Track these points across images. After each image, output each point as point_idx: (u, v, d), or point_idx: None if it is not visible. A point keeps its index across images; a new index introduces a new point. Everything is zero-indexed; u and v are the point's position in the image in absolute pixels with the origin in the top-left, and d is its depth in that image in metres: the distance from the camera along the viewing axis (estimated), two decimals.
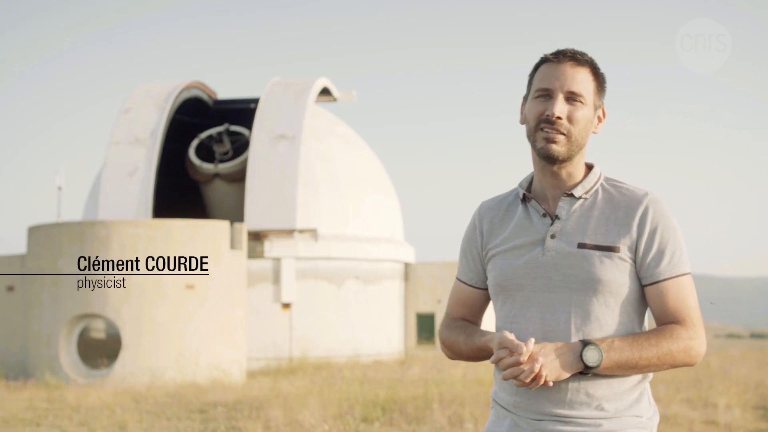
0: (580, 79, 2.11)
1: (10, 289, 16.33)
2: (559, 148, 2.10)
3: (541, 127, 2.10)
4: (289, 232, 18.96)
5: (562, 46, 2.17)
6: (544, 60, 2.17)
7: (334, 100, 23.65)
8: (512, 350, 1.98)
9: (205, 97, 22.81)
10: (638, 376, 2.11)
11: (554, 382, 2.04)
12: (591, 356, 1.97)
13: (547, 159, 2.13)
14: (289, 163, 19.45)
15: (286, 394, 11.02)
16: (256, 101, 22.02)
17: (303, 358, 18.13)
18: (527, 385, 1.97)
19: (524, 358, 1.95)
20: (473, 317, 2.34)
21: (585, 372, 2.00)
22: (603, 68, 2.20)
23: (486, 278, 2.28)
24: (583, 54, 2.16)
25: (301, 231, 19.13)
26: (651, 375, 2.15)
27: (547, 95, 2.12)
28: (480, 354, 2.18)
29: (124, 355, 14.26)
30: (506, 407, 2.17)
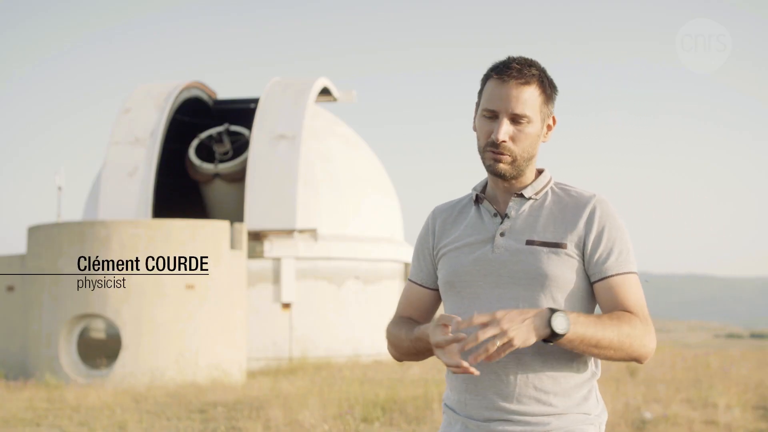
0: (525, 99, 2.12)
1: (10, 289, 16.33)
2: (505, 167, 2.15)
3: (489, 149, 2.15)
4: (289, 232, 18.96)
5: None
6: (489, 76, 2.17)
7: (334, 100, 23.65)
8: (448, 321, 1.98)
9: (205, 97, 22.81)
10: (587, 373, 2.13)
11: (503, 375, 2.07)
12: (559, 323, 1.94)
13: (495, 176, 2.19)
14: (289, 163, 19.44)
15: (286, 394, 11.02)
16: (256, 101, 22.01)
17: (303, 358, 18.13)
18: (493, 356, 1.90)
19: (480, 320, 1.91)
20: (421, 318, 2.37)
21: (549, 340, 1.96)
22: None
23: (436, 278, 2.31)
24: (530, 67, 2.15)
25: (301, 231, 19.13)
26: (599, 373, 2.18)
27: (493, 116, 2.14)
28: (419, 346, 2.19)
29: (124, 355, 14.26)
30: (456, 409, 2.18)
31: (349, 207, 20.39)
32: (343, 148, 21.48)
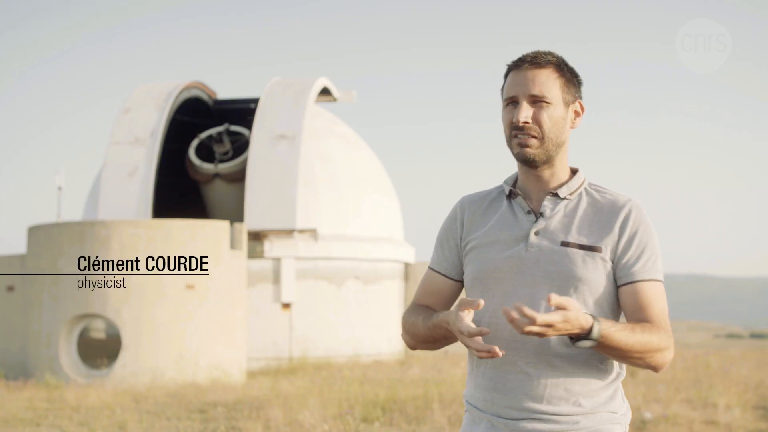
0: (542, 81, 2.15)
1: (10, 289, 16.33)
2: (532, 151, 2.15)
3: (514, 134, 2.15)
4: (289, 232, 18.95)
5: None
6: (509, 69, 2.21)
7: (334, 100, 23.64)
8: (470, 306, 1.98)
9: (205, 97, 22.80)
10: (613, 374, 2.15)
11: (533, 377, 2.08)
12: (586, 343, 1.98)
13: (525, 163, 2.18)
14: (289, 163, 19.44)
15: (286, 394, 11.02)
16: (256, 101, 22.01)
17: (303, 358, 18.13)
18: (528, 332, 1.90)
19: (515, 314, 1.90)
20: (439, 308, 2.33)
21: (571, 342, 2.01)
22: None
23: (461, 270, 2.29)
24: (545, 54, 2.18)
25: (301, 231, 19.13)
26: (624, 374, 2.19)
27: (513, 102, 2.17)
28: (436, 333, 2.17)
29: (124, 355, 14.26)
30: (482, 408, 2.17)
31: (349, 207, 20.39)
32: (343, 148, 21.47)
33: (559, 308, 1.93)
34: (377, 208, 21.27)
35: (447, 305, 2.35)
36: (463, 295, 2.32)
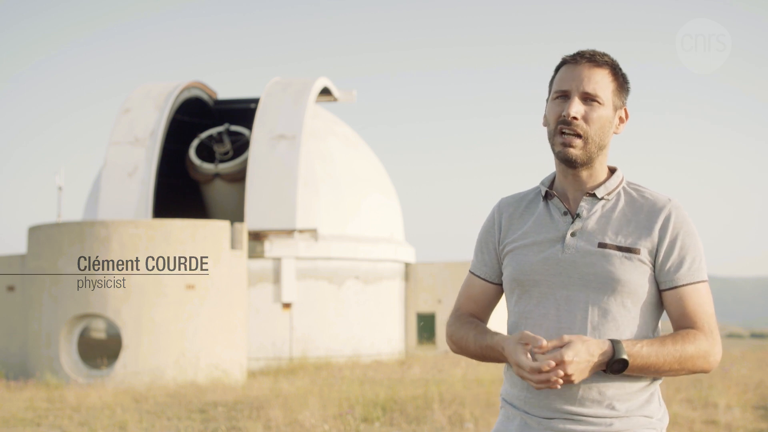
0: (597, 80, 2.12)
1: (10, 289, 16.33)
2: (576, 152, 2.12)
3: (560, 130, 2.12)
4: (289, 232, 18.96)
5: (582, 47, 2.19)
6: (563, 62, 2.18)
7: (334, 100, 23.64)
8: (532, 342, 2.00)
9: (205, 97, 22.81)
10: (649, 378, 2.12)
11: None
12: (617, 368, 2.01)
13: (565, 163, 2.15)
14: (289, 163, 19.44)
15: (286, 394, 11.02)
16: (256, 101, 22.01)
17: (303, 358, 18.13)
18: (553, 386, 1.98)
19: (549, 361, 1.96)
20: (483, 313, 2.33)
21: (607, 372, 2.03)
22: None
23: (500, 273, 2.28)
24: (603, 55, 2.16)
25: (301, 231, 19.13)
26: (661, 377, 2.16)
27: (565, 96, 2.13)
28: (487, 353, 2.17)
29: (124, 355, 14.27)
30: (516, 405, 2.17)
31: (349, 207, 20.39)
32: (343, 148, 21.48)
33: (558, 346, 1.97)
34: (377, 208, 21.28)
35: (489, 309, 2.34)
36: (503, 299, 2.33)
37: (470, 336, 2.22)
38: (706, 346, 2.05)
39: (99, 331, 21.46)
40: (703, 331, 2.07)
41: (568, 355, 1.95)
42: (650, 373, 2.04)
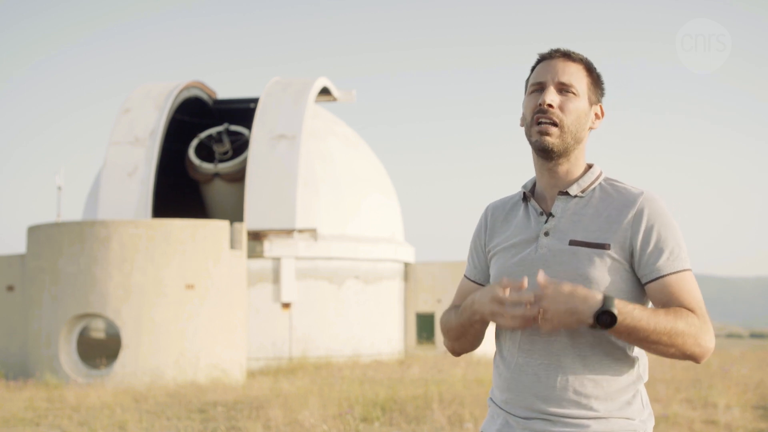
0: (572, 71, 2.15)
1: (10, 289, 16.33)
2: (552, 140, 2.12)
3: (536, 120, 2.12)
4: (289, 232, 18.96)
5: (582, 47, 2.23)
6: (538, 60, 2.22)
7: (334, 99, 23.64)
8: (508, 285, 1.98)
9: (205, 97, 22.81)
10: (632, 377, 2.09)
11: (543, 378, 2.07)
12: (605, 320, 1.93)
13: (542, 152, 2.14)
14: (289, 163, 19.44)
15: (286, 394, 11.02)
16: (256, 101, 22.01)
17: (303, 357, 18.13)
18: (529, 323, 1.95)
19: (526, 296, 1.94)
20: None
21: (591, 327, 1.95)
22: (603, 67, 2.23)
23: (489, 275, 2.31)
24: (577, 53, 2.20)
25: (301, 231, 19.13)
26: (646, 377, 2.14)
27: (540, 88, 2.16)
28: (464, 320, 2.16)
29: (124, 355, 14.26)
30: (499, 404, 2.18)
31: (349, 207, 20.39)
32: (343, 148, 21.48)
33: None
34: (377, 208, 21.28)
35: None
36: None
37: (452, 315, 2.25)
38: (698, 327, 1.99)
39: (99, 331, 21.46)
40: (696, 313, 2.02)
41: (550, 288, 1.93)
42: (638, 340, 1.96)
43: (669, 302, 2.04)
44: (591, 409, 2.04)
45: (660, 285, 2.05)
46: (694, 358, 2.02)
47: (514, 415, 2.12)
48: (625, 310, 1.93)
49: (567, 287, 1.93)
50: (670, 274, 2.05)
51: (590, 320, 1.92)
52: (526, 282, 1.96)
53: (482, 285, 2.32)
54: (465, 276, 2.39)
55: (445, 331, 2.28)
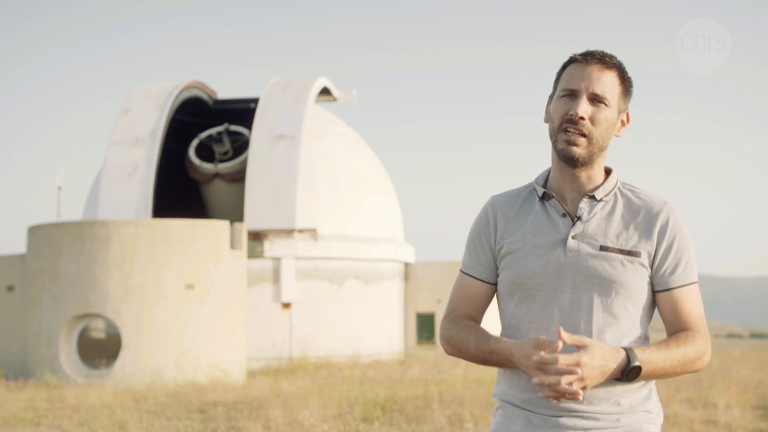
0: (606, 81, 2.13)
1: (10, 289, 16.33)
2: (579, 151, 2.11)
3: (564, 128, 2.12)
4: (289, 232, 18.96)
5: (582, 47, 2.20)
6: (572, 60, 2.19)
7: (334, 100, 23.64)
8: (548, 346, 1.98)
9: (205, 97, 22.81)
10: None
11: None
12: (632, 376, 2.02)
13: (567, 161, 2.14)
14: (289, 163, 19.45)
15: (286, 394, 11.02)
16: (256, 101, 22.01)
17: (303, 357, 18.13)
18: (560, 397, 1.97)
19: (567, 360, 1.93)
20: (478, 314, 2.30)
21: (623, 380, 2.05)
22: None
23: (496, 273, 2.26)
24: (612, 57, 2.17)
25: (301, 231, 19.13)
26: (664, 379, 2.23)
27: (572, 95, 2.13)
28: (491, 357, 2.15)
29: (124, 355, 14.27)
30: (519, 405, 2.16)
31: (349, 207, 20.39)
32: (343, 148, 21.48)
33: (577, 345, 1.96)
34: (377, 208, 21.28)
35: (483, 309, 2.31)
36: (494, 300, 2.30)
37: (471, 339, 2.19)
38: (703, 347, 2.11)
39: (99, 331, 21.46)
40: (699, 332, 2.12)
41: (585, 357, 1.95)
42: (657, 377, 2.08)
43: (675, 314, 2.13)
44: (619, 404, 2.10)
45: (669, 297, 2.13)
46: (697, 371, 2.17)
47: (538, 413, 2.11)
48: (645, 358, 2.03)
49: (597, 351, 1.97)
50: (681, 287, 2.13)
51: (618, 375, 2.02)
52: (561, 345, 1.95)
53: (487, 282, 2.26)
54: (465, 273, 2.30)
55: (457, 349, 2.23)
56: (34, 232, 15.45)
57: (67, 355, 14.62)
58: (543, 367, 1.96)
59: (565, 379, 1.93)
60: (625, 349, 2.02)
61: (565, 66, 2.19)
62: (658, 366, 2.04)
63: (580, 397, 1.95)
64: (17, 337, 15.76)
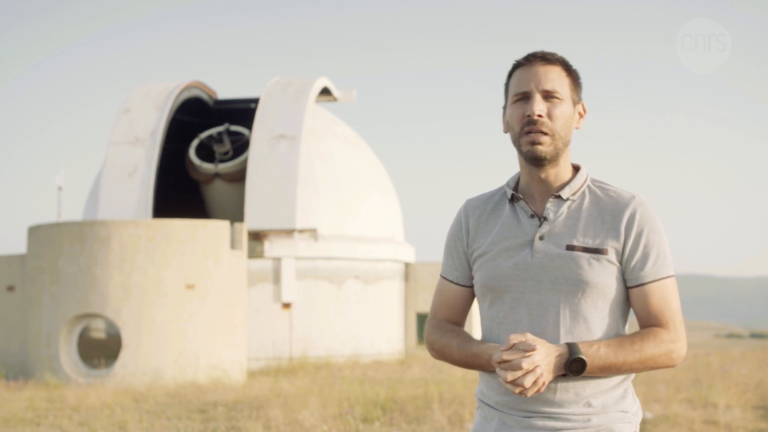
0: (553, 77, 2.15)
1: (10, 289, 16.33)
2: (544, 149, 2.13)
3: (526, 131, 2.13)
4: (289, 232, 18.96)
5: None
6: (516, 66, 2.21)
7: (334, 100, 23.63)
8: (526, 349, 2.00)
9: (205, 97, 22.80)
10: (621, 375, 2.15)
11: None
12: (575, 368, 2.02)
13: (534, 161, 2.16)
14: (289, 163, 19.44)
15: (286, 394, 11.02)
16: (256, 101, 22.01)
17: (303, 357, 18.13)
18: (526, 391, 1.99)
19: (526, 365, 1.97)
20: (458, 317, 2.34)
21: (563, 375, 2.05)
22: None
23: (471, 276, 2.28)
24: (552, 54, 2.20)
25: (301, 231, 19.13)
26: (633, 374, 2.19)
27: (525, 97, 2.15)
28: (472, 361, 2.18)
29: (124, 355, 14.27)
30: (494, 406, 2.18)
31: (349, 207, 20.39)
32: (343, 148, 21.47)
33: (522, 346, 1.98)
34: (377, 208, 21.27)
35: (464, 313, 2.34)
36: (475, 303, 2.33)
37: (453, 344, 2.22)
38: (669, 344, 2.08)
39: (99, 331, 21.46)
40: (668, 328, 2.10)
41: (539, 353, 1.99)
42: (612, 372, 2.07)
43: (646, 310, 2.12)
44: (590, 405, 2.10)
45: (641, 292, 2.12)
46: (668, 367, 2.14)
47: (511, 415, 2.13)
48: (591, 353, 2.02)
49: (541, 347, 1.99)
50: (652, 282, 2.11)
51: (563, 370, 2.02)
52: (537, 348, 1.99)
53: (463, 285, 2.30)
54: (444, 277, 2.34)
55: (441, 354, 2.28)
56: (34, 232, 15.45)
57: (67, 355, 14.62)
58: (503, 365, 2.01)
59: (511, 375, 1.97)
60: (568, 343, 2.03)
61: (510, 74, 2.22)
62: (608, 361, 2.03)
63: (539, 390, 1.98)
64: (17, 337, 15.76)
